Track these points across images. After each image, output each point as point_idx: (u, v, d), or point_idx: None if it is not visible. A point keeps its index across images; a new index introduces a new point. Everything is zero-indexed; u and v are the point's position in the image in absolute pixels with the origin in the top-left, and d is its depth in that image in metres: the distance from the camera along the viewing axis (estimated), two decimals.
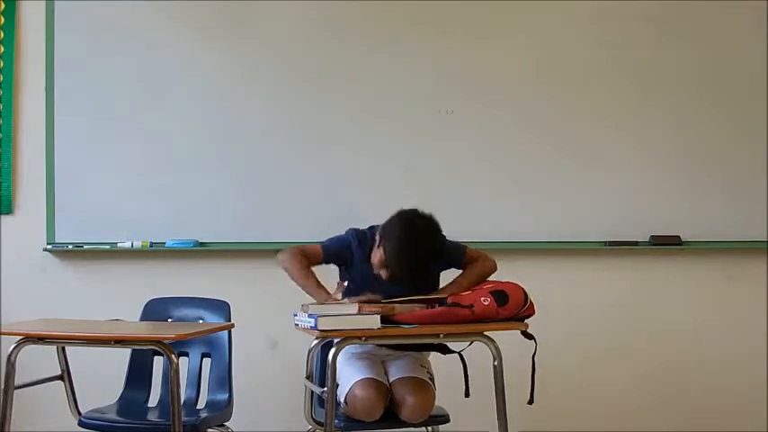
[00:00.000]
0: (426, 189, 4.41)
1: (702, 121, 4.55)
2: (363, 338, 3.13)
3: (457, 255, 3.54)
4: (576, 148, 4.52)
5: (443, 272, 3.54)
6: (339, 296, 3.30)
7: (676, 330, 4.56)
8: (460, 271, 3.52)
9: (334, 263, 3.53)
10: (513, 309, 3.22)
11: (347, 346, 3.20)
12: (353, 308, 3.15)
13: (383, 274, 3.37)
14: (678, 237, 4.47)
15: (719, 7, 4.59)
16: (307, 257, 3.44)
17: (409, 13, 4.50)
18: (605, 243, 4.47)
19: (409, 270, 3.30)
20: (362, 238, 3.49)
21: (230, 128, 4.46)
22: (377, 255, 3.37)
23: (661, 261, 4.57)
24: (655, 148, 4.54)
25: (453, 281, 3.47)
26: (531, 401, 3.31)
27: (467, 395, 3.46)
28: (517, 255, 4.38)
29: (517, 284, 3.29)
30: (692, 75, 4.55)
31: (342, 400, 3.32)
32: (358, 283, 3.41)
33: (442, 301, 3.24)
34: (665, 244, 4.46)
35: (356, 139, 4.49)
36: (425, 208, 3.36)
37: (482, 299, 3.20)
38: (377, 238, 3.37)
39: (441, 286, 3.49)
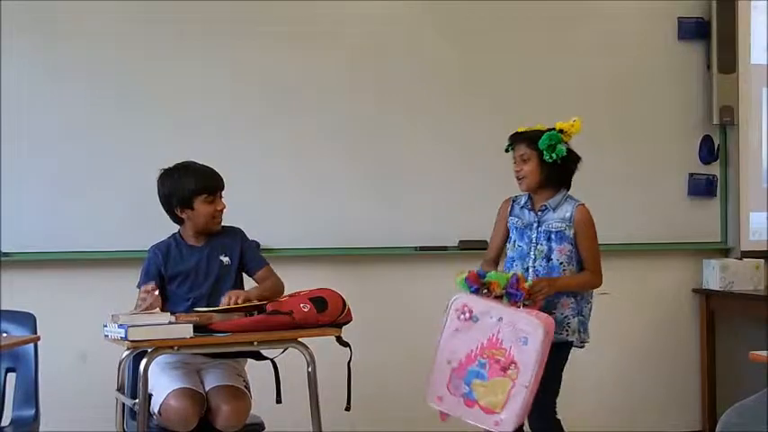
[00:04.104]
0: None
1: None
2: (176, 348, 3.12)
3: (259, 261, 3.60)
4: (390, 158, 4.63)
5: None
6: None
7: None
8: None
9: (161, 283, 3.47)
10: (332, 315, 3.28)
11: (161, 356, 3.18)
12: (165, 317, 3.13)
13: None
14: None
15: None
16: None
17: None
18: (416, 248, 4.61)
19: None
20: (166, 248, 3.52)
21: None
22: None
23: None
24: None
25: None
26: (348, 408, 3.35)
27: (278, 401, 3.48)
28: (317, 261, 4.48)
29: (334, 291, 3.35)
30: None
31: (156, 410, 3.28)
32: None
33: (261, 309, 3.26)
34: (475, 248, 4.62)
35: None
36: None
37: (301, 305, 3.24)
38: None
39: None
